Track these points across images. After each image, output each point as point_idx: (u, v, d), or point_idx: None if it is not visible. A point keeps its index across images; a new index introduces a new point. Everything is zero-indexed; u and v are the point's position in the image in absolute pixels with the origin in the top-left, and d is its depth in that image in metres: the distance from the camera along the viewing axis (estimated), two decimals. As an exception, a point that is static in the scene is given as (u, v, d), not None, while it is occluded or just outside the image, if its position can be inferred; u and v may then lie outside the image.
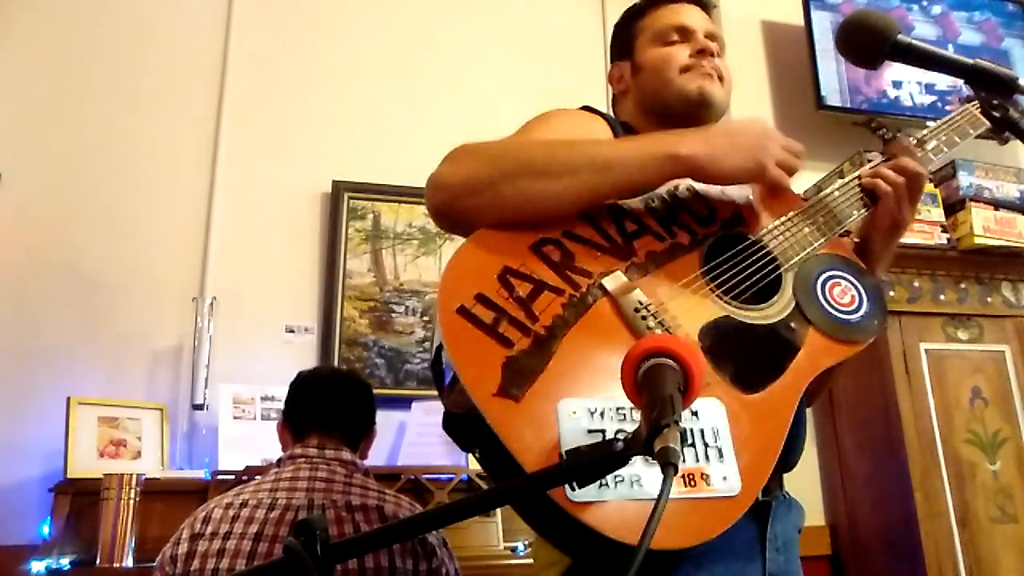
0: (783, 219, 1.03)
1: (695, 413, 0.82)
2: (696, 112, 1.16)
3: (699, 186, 1.02)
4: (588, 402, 0.79)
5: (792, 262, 1.00)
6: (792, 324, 0.95)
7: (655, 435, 0.59)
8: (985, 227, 2.41)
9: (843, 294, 1.00)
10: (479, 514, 1.52)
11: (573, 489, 0.72)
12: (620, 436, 0.76)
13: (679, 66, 1.16)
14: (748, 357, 0.90)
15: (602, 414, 0.79)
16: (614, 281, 0.90)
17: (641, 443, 0.60)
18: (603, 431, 0.78)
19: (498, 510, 1.89)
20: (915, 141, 1.12)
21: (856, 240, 1.12)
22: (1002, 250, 2.43)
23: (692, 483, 0.78)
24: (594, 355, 0.83)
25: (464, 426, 0.83)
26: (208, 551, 1.29)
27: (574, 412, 0.78)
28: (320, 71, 2.61)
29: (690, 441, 0.81)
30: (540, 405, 0.77)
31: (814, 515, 2.53)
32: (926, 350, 2.31)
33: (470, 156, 0.95)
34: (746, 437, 0.83)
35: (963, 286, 2.42)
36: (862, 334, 0.97)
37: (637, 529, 0.73)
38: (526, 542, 1.89)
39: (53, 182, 2.31)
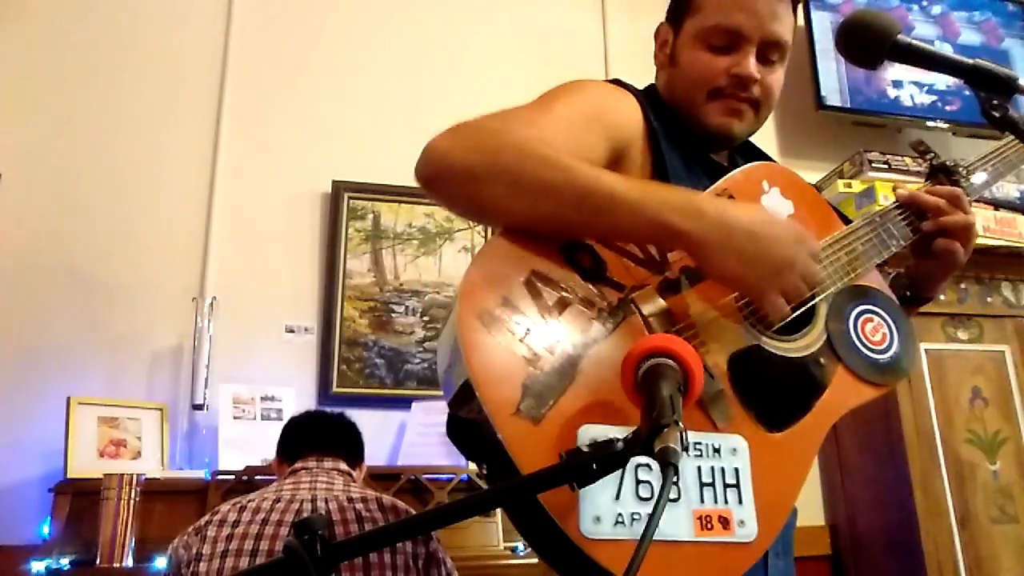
0: (823, 244, 0.97)
1: (717, 450, 0.80)
2: (712, 141, 1.10)
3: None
4: (610, 430, 0.73)
5: (827, 291, 0.95)
6: (822, 360, 0.92)
7: (655, 435, 0.59)
8: (985, 227, 2.41)
9: (875, 331, 0.97)
10: (479, 514, 1.52)
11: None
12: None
13: (710, 88, 1.05)
14: (776, 392, 0.87)
15: None
16: (646, 299, 0.85)
17: (641, 443, 0.59)
18: None
19: (498, 510, 1.89)
20: (964, 171, 1.08)
21: (891, 272, 1.09)
22: (1002, 250, 2.43)
23: (709, 526, 0.76)
24: (619, 378, 0.77)
25: (472, 436, 0.79)
26: (217, 536, 1.38)
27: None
28: (320, 71, 2.61)
29: (709, 480, 0.79)
30: (560, 430, 0.73)
31: (814, 515, 2.52)
32: (926, 350, 2.31)
33: (471, 139, 0.88)
34: (766, 480, 0.81)
35: (963, 286, 2.42)
36: (891, 376, 0.96)
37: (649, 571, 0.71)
38: (526, 543, 1.89)
39: (53, 182, 2.30)
